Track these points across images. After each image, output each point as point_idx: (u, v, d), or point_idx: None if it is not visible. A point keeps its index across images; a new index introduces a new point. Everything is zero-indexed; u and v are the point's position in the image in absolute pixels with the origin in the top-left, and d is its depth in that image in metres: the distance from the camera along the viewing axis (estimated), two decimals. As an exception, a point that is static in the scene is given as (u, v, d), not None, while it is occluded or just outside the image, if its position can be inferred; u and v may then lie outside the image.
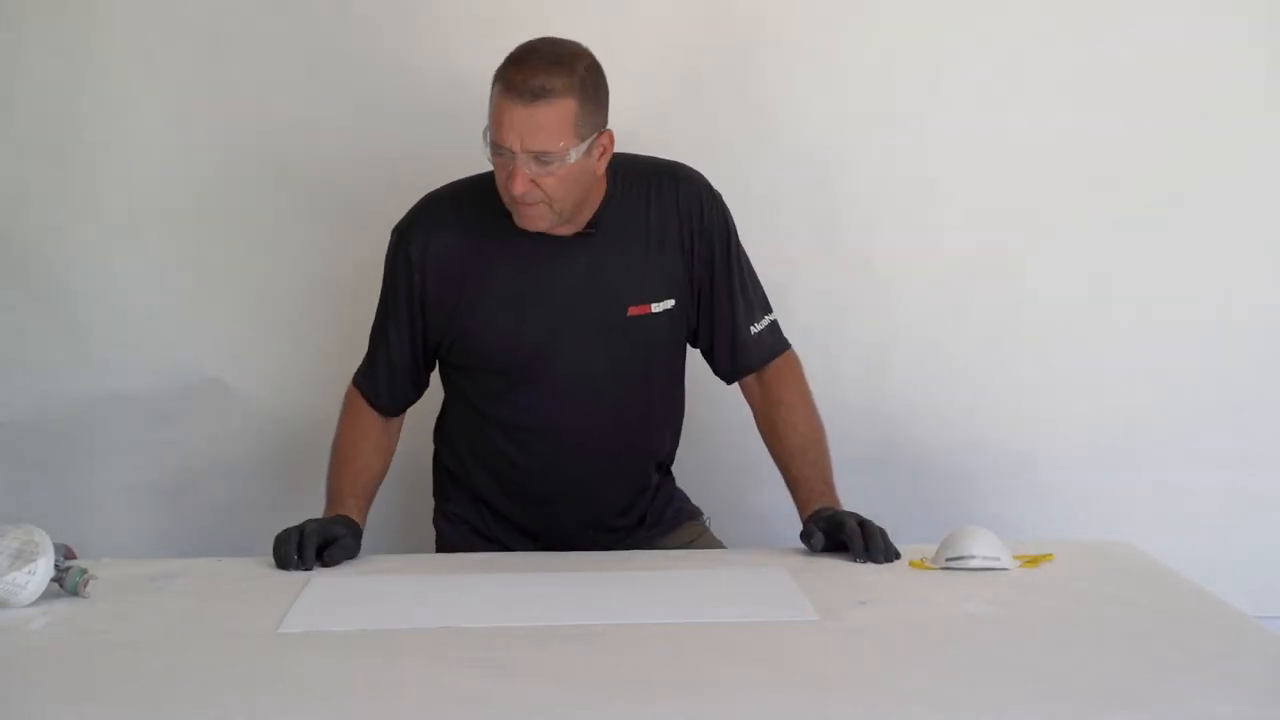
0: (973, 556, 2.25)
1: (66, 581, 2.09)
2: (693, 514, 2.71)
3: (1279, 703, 1.73)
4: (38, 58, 3.01)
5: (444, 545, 2.67)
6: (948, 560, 2.26)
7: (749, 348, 2.59)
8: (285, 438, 3.11)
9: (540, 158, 2.31)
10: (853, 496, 3.09)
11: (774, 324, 2.62)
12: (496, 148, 2.33)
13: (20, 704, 1.75)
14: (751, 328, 2.58)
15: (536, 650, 1.88)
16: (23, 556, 2.05)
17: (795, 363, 2.63)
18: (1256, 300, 3.13)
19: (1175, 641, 1.92)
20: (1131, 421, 3.15)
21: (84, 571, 2.11)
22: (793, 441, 2.55)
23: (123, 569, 2.26)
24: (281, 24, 3.02)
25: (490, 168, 2.41)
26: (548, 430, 2.52)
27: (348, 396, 2.60)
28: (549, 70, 2.31)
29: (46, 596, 2.08)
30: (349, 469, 2.51)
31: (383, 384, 2.57)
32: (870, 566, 2.29)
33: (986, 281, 3.13)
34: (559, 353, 2.48)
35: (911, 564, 2.30)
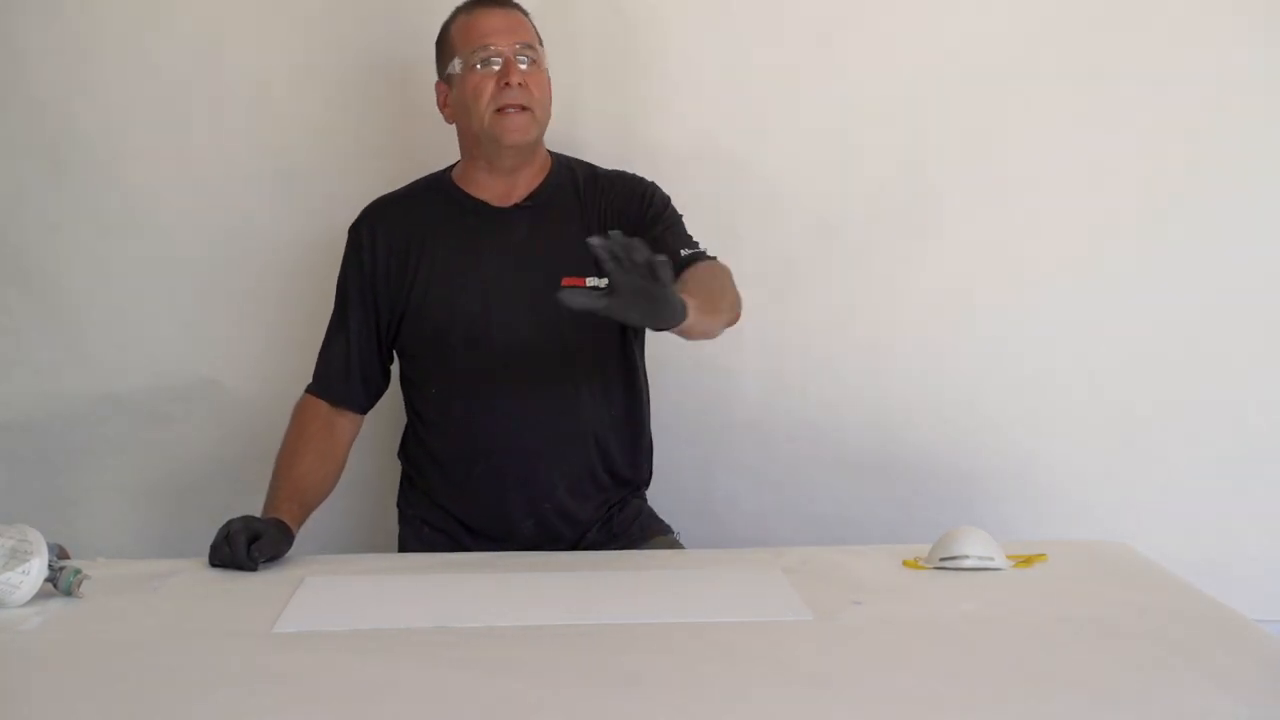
0: (966, 556, 2.25)
1: (60, 581, 2.10)
2: (662, 529, 2.71)
3: (1274, 703, 1.73)
4: (33, 58, 3.01)
5: (403, 547, 2.71)
6: (942, 560, 2.27)
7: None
8: (280, 438, 3.11)
9: (526, 51, 2.53)
10: (852, 496, 3.11)
11: (704, 251, 2.57)
12: (483, 56, 2.50)
13: (14, 704, 1.75)
14: (681, 251, 2.51)
15: (530, 650, 1.89)
16: (17, 556, 2.05)
17: (719, 263, 2.55)
18: (1257, 300, 3.12)
19: (1168, 641, 1.92)
20: (1131, 422, 3.14)
21: (78, 571, 2.11)
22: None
23: (117, 569, 2.27)
24: (277, 24, 3.02)
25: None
26: (481, 402, 2.57)
27: (296, 406, 2.65)
28: None
29: (40, 596, 2.08)
30: (287, 475, 2.53)
31: (338, 376, 2.63)
32: (865, 567, 2.28)
33: (986, 281, 3.12)
34: (496, 321, 2.55)
35: (905, 564, 2.30)
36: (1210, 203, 3.10)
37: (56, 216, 3.06)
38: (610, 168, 2.70)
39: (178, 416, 3.13)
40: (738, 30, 3.05)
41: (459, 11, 2.59)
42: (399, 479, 2.79)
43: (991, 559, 2.26)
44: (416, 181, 2.72)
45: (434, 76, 2.93)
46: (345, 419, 2.65)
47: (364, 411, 2.70)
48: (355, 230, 2.67)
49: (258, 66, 3.04)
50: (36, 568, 2.06)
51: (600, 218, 2.60)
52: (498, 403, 2.57)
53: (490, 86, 2.51)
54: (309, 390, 2.66)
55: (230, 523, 2.33)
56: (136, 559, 2.47)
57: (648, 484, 2.75)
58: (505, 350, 2.56)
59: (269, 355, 3.11)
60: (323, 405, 2.63)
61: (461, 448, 2.62)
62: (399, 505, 2.76)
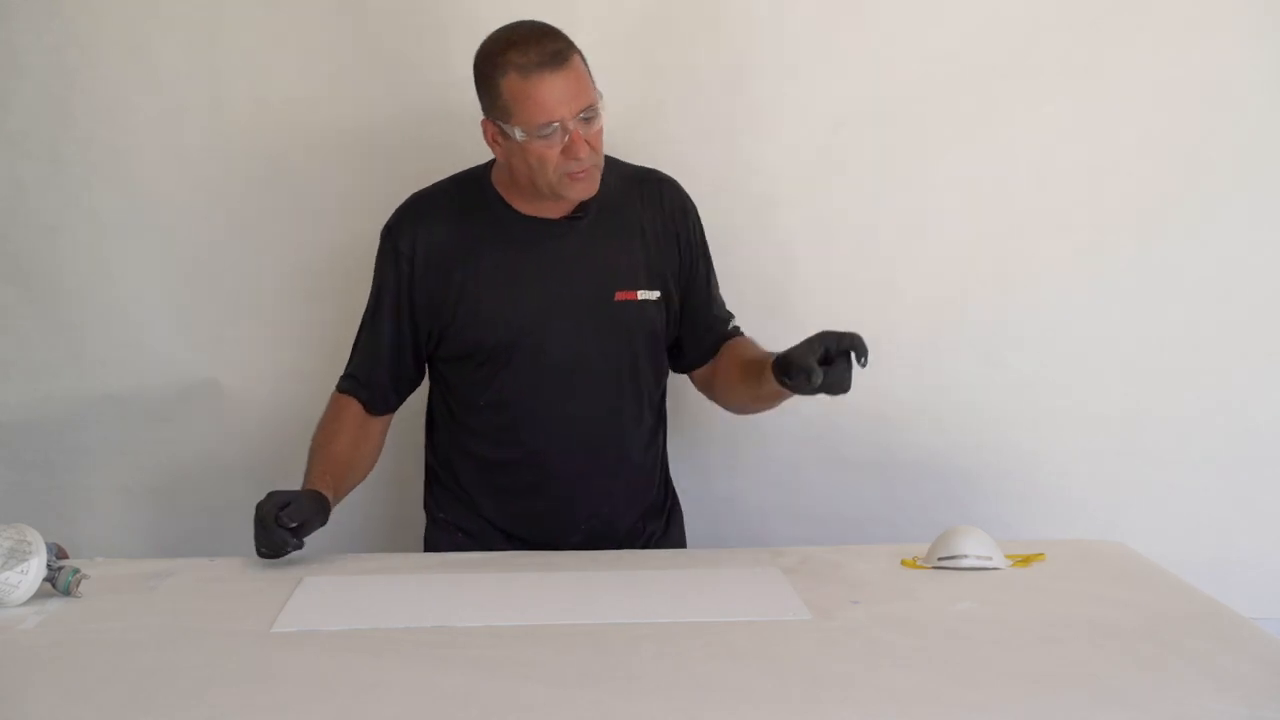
0: (965, 556, 2.26)
1: (59, 581, 2.10)
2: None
3: (1271, 703, 1.73)
4: (31, 57, 3.01)
5: (431, 549, 2.68)
6: (940, 559, 2.27)
7: (727, 338, 2.65)
8: (279, 438, 3.10)
9: (587, 114, 2.39)
10: (851, 496, 3.10)
11: (738, 325, 2.70)
12: (544, 129, 2.37)
13: (13, 703, 1.75)
14: (731, 324, 2.66)
15: (529, 649, 1.89)
16: (15, 556, 2.05)
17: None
18: (1256, 300, 3.12)
19: (1165, 640, 1.93)
20: (1129, 421, 3.14)
21: (76, 571, 2.11)
22: (752, 352, 2.57)
23: (115, 568, 2.27)
24: (276, 22, 3.02)
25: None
26: (533, 414, 2.54)
27: (329, 401, 2.62)
28: (551, 36, 2.40)
29: (39, 596, 2.08)
30: (322, 454, 2.52)
31: (369, 380, 2.59)
32: (864, 566, 2.28)
33: (985, 281, 3.12)
34: (546, 333, 2.51)
35: (904, 563, 2.30)
36: (1209, 203, 3.09)
37: (56, 216, 3.06)
38: (631, 163, 2.65)
39: (177, 416, 3.13)
40: (737, 30, 3.05)
41: (511, 67, 2.37)
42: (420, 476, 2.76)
43: (990, 558, 2.26)
44: (452, 180, 2.62)
45: (434, 74, 2.95)
46: (379, 416, 2.64)
47: (394, 410, 2.66)
48: (392, 235, 2.56)
49: (258, 67, 3.04)
50: (35, 567, 2.06)
51: (649, 225, 2.57)
52: (550, 416, 2.54)
53: (555, 156, 2.40)
54: (341, 390, 2.61)
55: (259, 507, 2.31)
56: (135, 558, 2.46)
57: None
58: (558, 364, 2.52)
59: (269, 355, 3.12)
60: (355, 402, 2.60)
61: (511, 459, 2.58)
62: (427, 506, 2.73)
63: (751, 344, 2.61)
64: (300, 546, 2.29)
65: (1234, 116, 3.07)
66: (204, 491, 3.14)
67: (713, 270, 2.66)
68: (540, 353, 2.52)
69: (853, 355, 2.29)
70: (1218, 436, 3.14)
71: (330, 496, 2.41)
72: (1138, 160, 3.08)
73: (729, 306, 2.69)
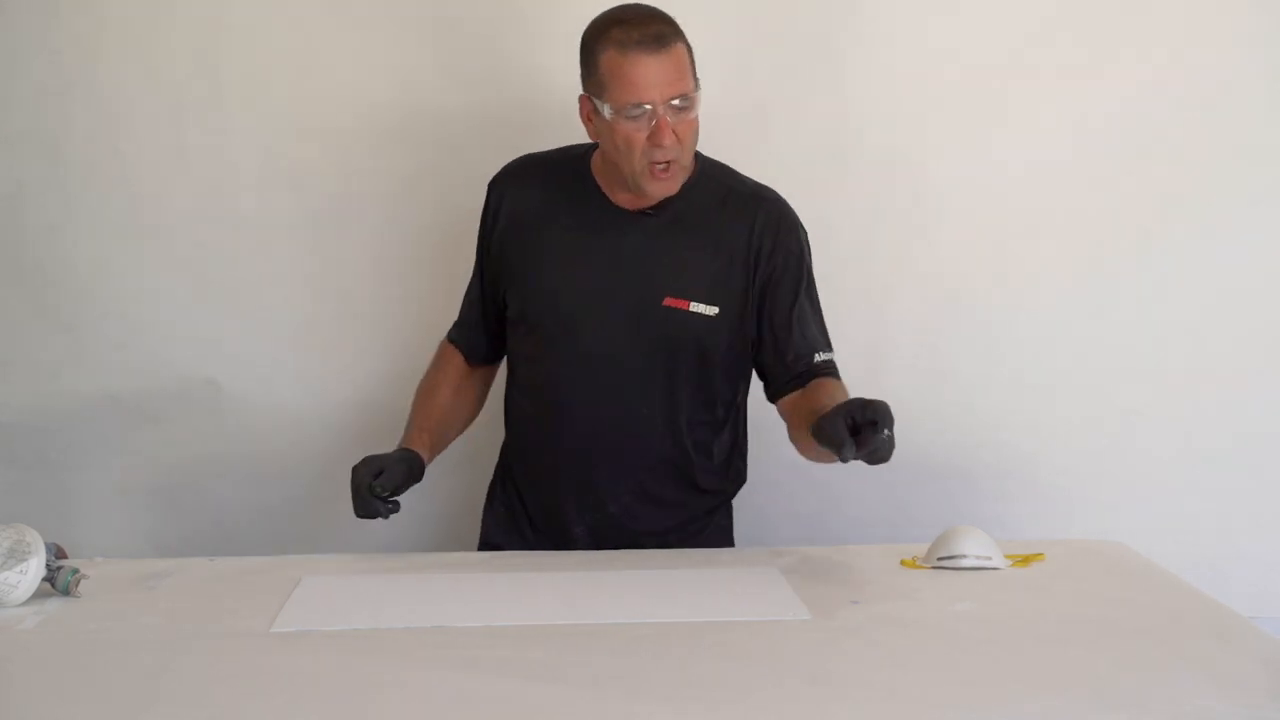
0: (964, 556, 2.26)
1: (58, 581, 2.10)
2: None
3: (1271, 703, 1.73)
4: (33, 57, 3.01)
5: (484, 528, 2.71)
6: (939, 559, 2.27)
7: (813, 373, 2.53)
8: (279, 438, 3.11)
9: (680, 102, 2.35)
10: (850, 496, 3.10)
11: (833, 360, 2.57)
12: (633, 109, 2.35)
13: (12, 703, 1.75)
14: (817, 355, 2.53)
15: (528, 649, 1.89)
16: (14, 556, 2.05)
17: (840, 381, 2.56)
18: (1255, 300, 3.12)
19: (1165, 640, 1.93)
20: (1130, 422, 3.14)
21: (75, 571, 2.11)
22: (826, 401, 2.39)
23: (115, 568, 2.27)
24: (277, 23, 3.02)
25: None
26: (560, 400, 2.53)
27: (438, 348, 2.69)
28: (659, 19, 2.38)
29: (38, 596, 2.08)
30: (422, 405, 2.61)
31: (468, 329, 2.67)
32: (863, 566, 2.28)
33: (985, 281, 3.12)
34: (583, 321, 2.50)
35: (903, 563, 2.30)
36: (1209, 203, 3.10)
37: (56, 216, 3.06)
38: (748, 178, 2.60)
39: (176, 416, 3.14)
40: (737, 30, 3.05)
41: (611, 43, 2.35)
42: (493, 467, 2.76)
43: (989, 558, 2.26)
44: (560, 151, 2.62)
45: (434, 78, 2.94)
46: (478, 366, 2.70)
47: (492, 363, 2.71)
48: (490, 189, 2.61)
49: (258, 66, 3.04)
50: (34, 567, 2.06)
51: (730, 241, 2.50)
52: (574, 404, 2.53)
53: (640, 140, 2.37)
54: (450, 338, 2.69)
55: (354, 472, 2.39)
56: (134, 558, 2.47)
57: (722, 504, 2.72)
58: (589, 354, 2.50)
59: (268, 355, 3.11)
60: (459, 353, 2.67)
61: (539, 442, 2.59)
62: (490, 489, 2.74)
63: (833, 390, 2.46)
64: (396, 509, 2.39)
65: (1234, 117, 3.07)
66: (204, 491, 3.14)
67: (805, 300, 2.55)
68: (574, 338, 2.51)
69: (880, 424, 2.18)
70: (1218, 436, 3.14)
71: (427, 454, 2.50)
72: (1138, 161, 3.08)
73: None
